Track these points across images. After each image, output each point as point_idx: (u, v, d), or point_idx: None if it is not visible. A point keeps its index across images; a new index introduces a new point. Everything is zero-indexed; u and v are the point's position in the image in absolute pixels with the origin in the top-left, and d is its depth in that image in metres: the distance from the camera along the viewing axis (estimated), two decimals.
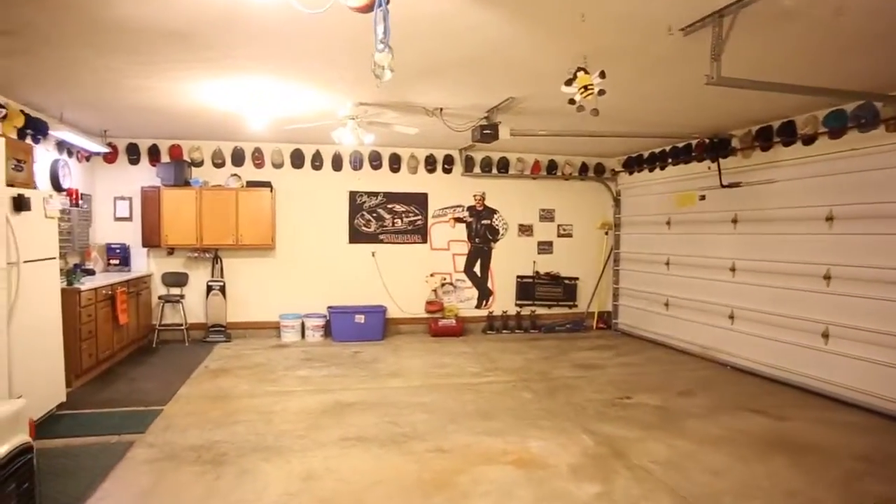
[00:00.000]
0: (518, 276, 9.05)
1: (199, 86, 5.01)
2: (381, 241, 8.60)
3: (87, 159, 7.64)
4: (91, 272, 7.06)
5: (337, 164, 8.39)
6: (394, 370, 6.34)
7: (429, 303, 8.66)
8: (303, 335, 8.14)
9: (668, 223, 7.95)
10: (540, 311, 9.10)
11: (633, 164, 8.68)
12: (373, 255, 8.55)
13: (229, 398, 5.23)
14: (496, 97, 5.36)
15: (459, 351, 7.40)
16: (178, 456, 3.93)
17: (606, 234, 9.32)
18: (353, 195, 8.50)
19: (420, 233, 8.72)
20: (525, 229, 9.11)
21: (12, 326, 4.12)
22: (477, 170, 8.80)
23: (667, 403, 5.22)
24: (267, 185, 7.98)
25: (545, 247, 9.22)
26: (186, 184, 7.76)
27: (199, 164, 8.09)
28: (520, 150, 8.74)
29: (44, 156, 6.48)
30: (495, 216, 8.96)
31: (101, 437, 4.24)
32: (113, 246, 7.81)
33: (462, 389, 5.59)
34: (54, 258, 4.79)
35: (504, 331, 8.87)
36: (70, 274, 5.79)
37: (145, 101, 5.62)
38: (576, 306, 9.24)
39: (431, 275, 8.71)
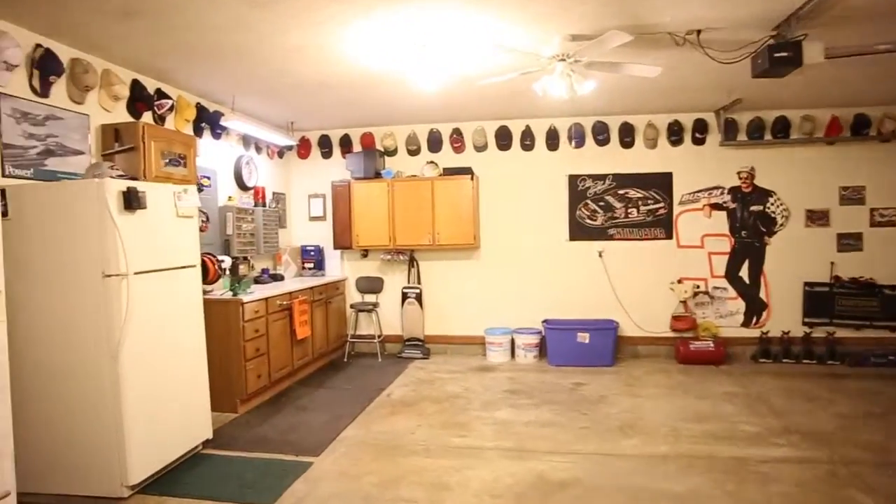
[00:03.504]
0: (806, 284, 6.40)
1: (355, 32, 3.72)
2: (611, 238, 6.68)
3: (280, 155, 7.04)
4: (279, 277, 6.37)
5: (552, 141, 6.69)
6: (628, 420, 4.43)
7: (676, 318, 6.51)
8: (512, 355, 6.61)
9: None
10: (842, 333, 6.32)
11: None
12: (600, 255, 6.68)
13: (398, 453, 3.86)
14: None
15: (722, 390, 5.18)
16: None
17: None
18: (574, 180, 6.72)
19: (662, 225, 6.61)
20: (817, 217, 6.42)
21: (126, 354, 3.20)
22: (742, 137, 6.39)
23: None
24: (467, 171, 6.61)
25: (850, 241, 6.41)
26: (377, 175, 6.74)
27: (393, 152, 7.04)
28: (807, 105, 6.10)
29: (227, 152, 5.88)
30: (770, 200, 6.45)
31: None
32: (307, 248, 7.13)
33: (738, 472, 3.49)
34: (193, 266, 3.88)
35: (785, 360, 6.31)
36: (235, 283, 4.99)
37: (302, 70, 4.55)
38: None
39: (679, 281, 6.54)
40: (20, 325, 3.36)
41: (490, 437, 4.13)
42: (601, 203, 6.67)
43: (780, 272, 6.45)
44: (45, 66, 3.71)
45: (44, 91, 3.74)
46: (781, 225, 6.44)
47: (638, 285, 6.61)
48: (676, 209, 6.56)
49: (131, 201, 3.24)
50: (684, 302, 6.49)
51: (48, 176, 3.74)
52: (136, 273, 3.26)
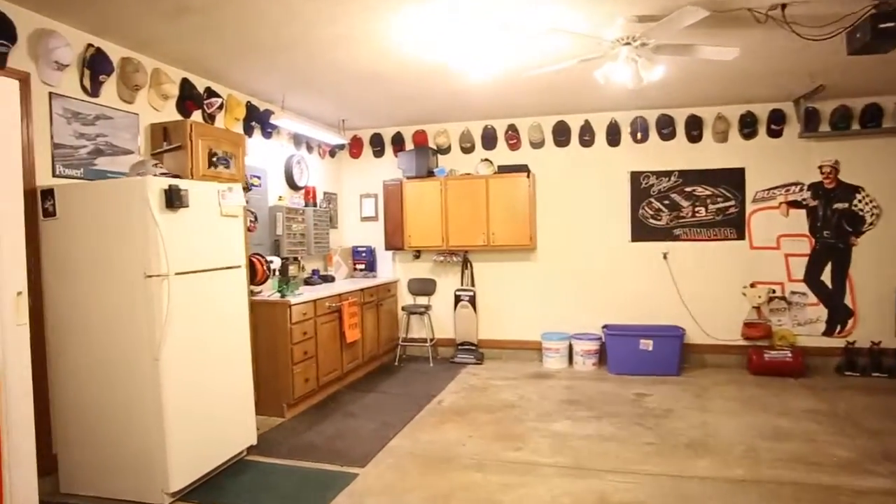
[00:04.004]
0: None
1: (405, 18, 3.53)
2: (677, 238, 6.26)
3: (332, 154, 6.96)
4: (330, 278, 6.27)
5: (613, 136, 6.33)
6: (698, 437, 4.06)
7: (748, 325, 6.03)
8: (570, 361, 6.29)
9: None
10: None
11: None
12: (664, 256, 6.27)
13: (447, 466, 3.63)
14: None
15: (803, 406, 4.71)
16: None
17: None
18: (637, 177, 6.33)
19: (734, 225, 6.14)
20: None
21: (167, 357, 3.11)
22: (824, 127, 5.85)
23: None
24: (523, 168, 6.33)
25: None
26: (430, 174, 6.55)
27: (446, 150, 6.83)
28: None
29: (277, 151, 5.83)
30: (857, 197, 5.87)
31: None
32: (359, 249, 7.02)
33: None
34: (238, 267, 3.78)
35: (875, 373, 5.70)
36: (283, 284, 4.89)
37: (352, 62, 4.39)
38: None
39: (752, 285, 6.05)
40: (66, 325, 3.34)
41: (546, 452, 3.85)
42: (666, 201, 6.26)
43: (869, 276, 5.87)
44: (95, 66, 3.69)
45: (94, 90, 3.73)
46: (871, 224, 5.85)
47: (706, 289, 6.16)
48: (749, 207, 6.08)
49: (173, 200, 3.15)
50: (758, 308, 6.00)
51: (98, 176, 3.71)
52: (177, 273, 3.17)
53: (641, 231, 6.35)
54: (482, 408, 4.84)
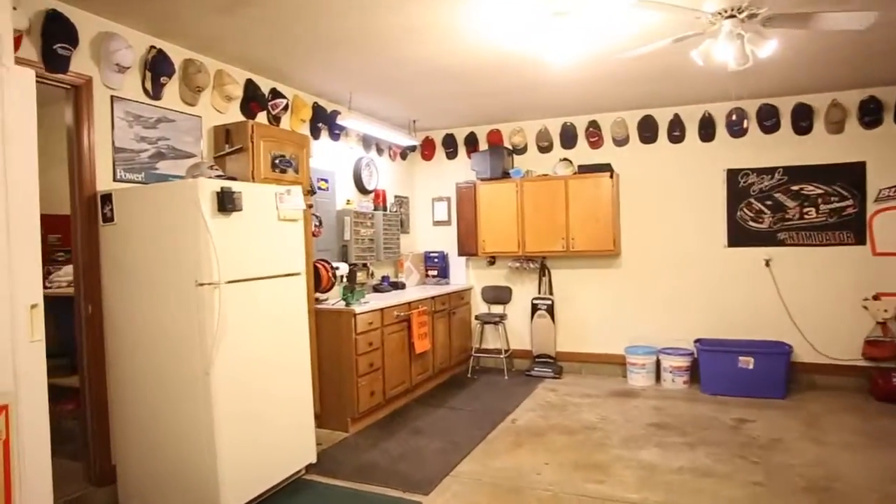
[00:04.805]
0: None
1: (478, 4, 3.21)
2: (781, 243, 5.57)
3: (403, 157, 6.74)
4: (400, 285, 6.04)
5: (707, 130, 5.73)
6: (817, 478, 3.45)
7: (871, 343, 5.25)
8: (657, 378, 5.73)
9: None
10: None
11: None
12: (767, 263, 5.60)
13: (519, 499, 3.24)
14: None
15: None
16: None
17: None
18: (734, 175, 5.70)
19: (851, 228, 5.38)
20: None
21: (218, 370, 2.93)
22: None
23: None
24: (605, 168, 5.85)
25: None
26: (505, 175, 6.19)
27: (522, 150, 6.45)
28: None
29: (346, 154, 5.66)
30: None
31: None
32: (431, 254, 6.75)
33: None
34: (298, 274, 3.57)
35: None
36: (348, 292, 4.67)
37: (422, 56, 4.12)
38: None
39: (876, 297, 5.27)
40: (121, 334, 3.24)
41: (633, 486, 3.39)
42: (769, 202, 5.59)
43: None
44: (156, 68, 3.61)
45: (156, 93, 3.64)
46: None
47: (817, 301, 5.44)
48: (871, 208, 5.30)
49: (225, 203, 2.96)
50: (883, 323, 5.22)
51: (159, 180, 3.62)
52: (228, 282, 2.99)
53: (739, 235, 5.70)
54: (560, 429, 4.42)
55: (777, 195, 5.56)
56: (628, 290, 6.07)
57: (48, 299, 4.03)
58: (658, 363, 5.74)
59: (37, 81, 3.13)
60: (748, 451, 3.89)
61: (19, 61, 2.98)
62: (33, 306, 1.75)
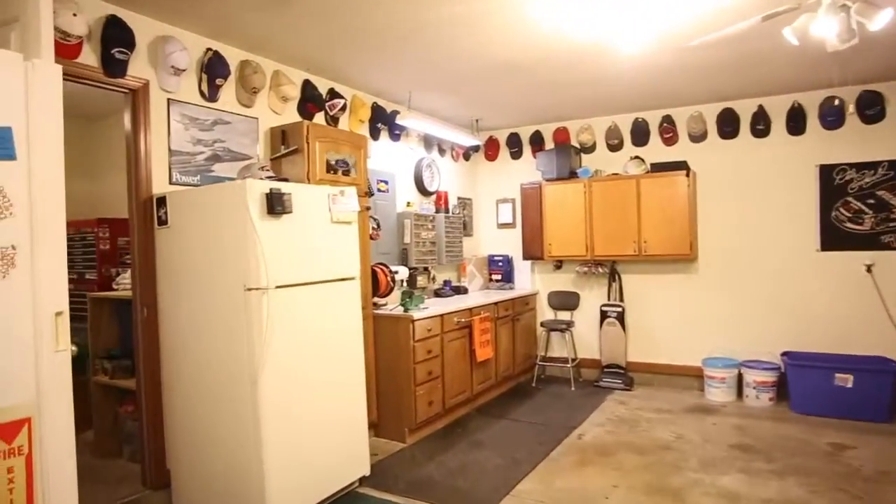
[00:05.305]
0: None
1: None
2: (886, 246, 4.97)
3: (466, 157, 6.56)
4: (463, 290, 5.85)
5: (796, 123, 5.21)
6: None
7: None
8: (739, 394, 5.26)
9: None
10: None
11: None
12: (868, 269, 5.02)
13: None
14: None
15: None
16: None
17: None
18: (828, 171, 5.16)
19: None
20: None
21: (266, 379, 2.83)
22: None
23: None
24: (681, 166, 5.44)
25: None
26: (573, 175, 5.89)
27: (590, 148, 6.13)
28: None
29: (406, 155, 5.53)
30: None
31: None
32: (495, 258, 6.53)
33: None
34: (352, 279, 3.45)
35: None
36: (406, 297, 4.52)
37: (485, 48, 3.92)
38: None
39: None
40: (174, 339, 3.22)
41: None
42: (870, 200, 5.02)
43: None
44: (212, 70, 3.58)
45: (212, 95, 3.62)
46: None
47: None
48: None
49: (274, 205, 2.87)
50: None
51: (215, 182, 3.59)
52: (277, 287, 2.89)
53: (834, 238, 5.16)
54: (631, 447, 4.09)
55: (881, 193, 4.98)
56: (706, 298, 5.63)
57: (114, 301, 4.14)
58: (740, 377, 5.27)
59: (95, 85, 3.18)
60: (849, 483, 3.43)
61: (79, 67, 3.02)
62: (58, 314, 1.67)
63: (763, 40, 3.58)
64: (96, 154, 5.21)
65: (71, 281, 4.88)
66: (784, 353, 5.13)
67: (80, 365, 4.14)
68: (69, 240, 5.01)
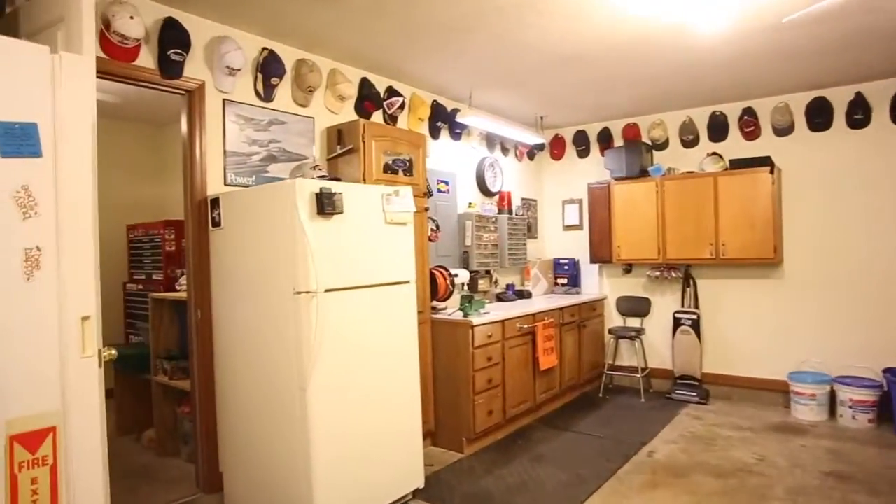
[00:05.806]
0: None
1: None
2: None
3: (531, 157, 6.32)
4: (526, 294, 5.62)
5: None
6: None
7: None
8: (831, 412, 4.77)
9: None
10: None
11: None
12: None
13: None
14: None
15: None
16: None
17: None
18: None
19: None
20: None
21: (315, 386, 2.72)
22: None
23: None
24: (764, 162, 5.00)
25: None
26: (643, 174, 5.55)
27: (662, 144, 5.76)
28: None
29: (468, 154, 5.37)
30: None
31: None
32: (561, 261, 6.26)
33: None
34: (407, 282, 3.30)
35: None
36: (466, 301, 4.34)
37: (548, 40, 3.70)
38: None
39: None
40: (226, 343, 3.18)
41: None
42: None
43: None
44: (267, 69, 3.54)
45: (267, 95, 3.58)
46: None
47: None
48: None
49: (324, 205, 2.76)
50: None
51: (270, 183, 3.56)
52: (327, 290, 2.78)
53: None
54: (707, 469, 3.75)
55: None
56: (793, 306, 5.16)
57: (174, 302, 4.18)
58: (832, 394, 4.78)
59: (152, 87, 3.18)
60: None
61: (137, 70, 3.03)
62: (85, 318, 1.59)
63: (864, 15, 3.18)
64: (165, 158, 5.32)
65: (140, 282, 5.06)
66: (887, 370, 4.60)
67: (144, 364, 4.23)
68: (139, 242, 5.18)
